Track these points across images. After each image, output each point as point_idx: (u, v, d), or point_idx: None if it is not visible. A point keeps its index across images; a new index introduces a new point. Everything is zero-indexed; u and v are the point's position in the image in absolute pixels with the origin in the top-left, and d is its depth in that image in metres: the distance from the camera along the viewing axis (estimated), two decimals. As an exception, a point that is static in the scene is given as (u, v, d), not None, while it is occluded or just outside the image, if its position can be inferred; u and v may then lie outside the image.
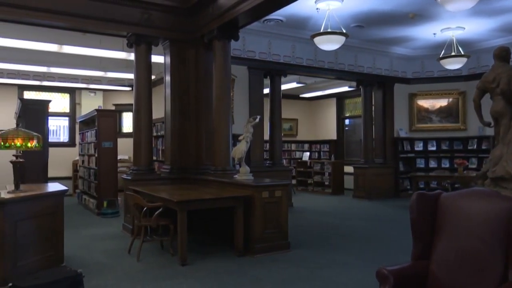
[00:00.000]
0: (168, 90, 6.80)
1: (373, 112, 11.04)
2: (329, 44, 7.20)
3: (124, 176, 6.68)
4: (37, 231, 4.25)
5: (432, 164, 11.26)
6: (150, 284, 4.15)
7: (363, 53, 10.27)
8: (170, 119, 6.78)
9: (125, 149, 10.93)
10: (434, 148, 11.31)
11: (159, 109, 7.16)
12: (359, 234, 6.58)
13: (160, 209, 5.05)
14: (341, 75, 10.46)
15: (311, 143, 14.79)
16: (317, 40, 7.13)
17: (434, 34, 9.05)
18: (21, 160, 4.28)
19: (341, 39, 7.10)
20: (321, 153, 14.39)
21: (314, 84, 13.02)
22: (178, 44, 6.77)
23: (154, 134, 7.99)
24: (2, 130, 4.28)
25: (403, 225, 7.00)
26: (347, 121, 14.29)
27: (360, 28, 8.66)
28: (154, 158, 7.81)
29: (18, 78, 10.78)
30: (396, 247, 5.64)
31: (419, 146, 11.40)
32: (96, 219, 7.99)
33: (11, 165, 4.28)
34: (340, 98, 14.15)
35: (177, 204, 4.74)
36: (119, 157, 9.13)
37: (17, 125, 7.27)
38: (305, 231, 6.73)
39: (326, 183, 12.18)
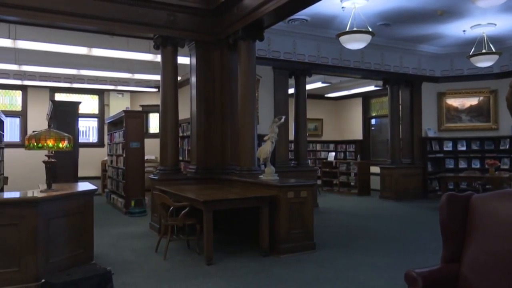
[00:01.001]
0: (194, 91, 6.87)
1: (400, 112, 10.85)
2: (354, 43, 7.12)
3: (151, 176, 6.79)
4: (68, 229, 4.37)
5: (462, 164, 10.97)
6: (177, 282, 4.21)
7: (390, 51, 10.11)
8: (195, 120, 6.85)
9: (152, 150, 11.12)
10: (464, 148, 11.03)
11: (185, 109, 7.24)
12: (386, 235, 6.48)
13: (187, 209, 5.10)
14: (367, 74, 10.33)
15: (336, 143, 14.66)
16: (342, 39, 7.06)
17: (464, 31, 8.81)
18: (53, 160, 4.41)
19: (367, 38, 7.01)
20: (347, 153, 14.24)
21: (340, 84, 12.90)
22: (203, 45, 6.83)
23: (180, 134, 8.09)
24: (35, 131, 4.41)
25: (432, 227, 6.87)
26: (373, 121, 14.09)
27: (387, 26, 8.53)
28: (180, 158, 7.91)
29: (50, 81, 11.12)
30: (424, 249, 5.52)
31: (448, 146, 11.13)
32: (124, 218, 8.15)
33: (43, 165, 4.42)
34: (366, 97, 13.97)
35: (203, 204, 4.78)
36: (146, 157, 9.29)
37: (49, 126, 7.49)
38: (330, 232, 6.68)
39: (352, 183, 12.05)
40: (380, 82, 11.10)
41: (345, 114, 14.94)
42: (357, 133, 14.24)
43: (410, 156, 10.86)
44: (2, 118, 9.40)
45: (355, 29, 6.98)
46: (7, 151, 10.38)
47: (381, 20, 8.19)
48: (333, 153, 13.90)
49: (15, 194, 4.42)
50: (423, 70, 10.79)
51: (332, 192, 12.46)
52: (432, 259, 4.74)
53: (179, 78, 7.05)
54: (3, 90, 11.84)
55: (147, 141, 9.40)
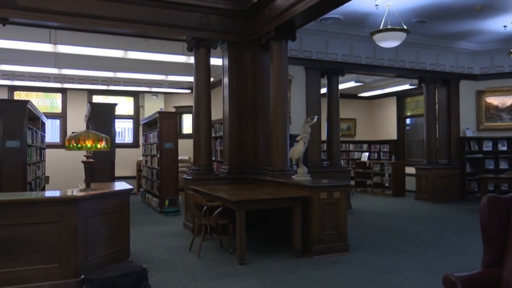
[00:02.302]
0: (226, 92, 6.93)
1: (436, 111, 10.56)
2: (389, 41, 6.97)
3: (185, 176, 6.89)
4: (105, 227, 4.50)
5: (503, 165, 10.56)
6: (210, 281, 4.25)
7: (426, 49, 9.85)
8: (228, 120, 6.90)
9: (185, 150, 11.29)
10: (505, 148, 10.61)
11: (218, 110, 7.31)
12: (422, 238, 6.31)
13: (220, 209, 5.15)
14: (402, 73, 10.10)
15: (370, 143, 14.42)
16: (376, 37, 6.93)
17: (505, 26, 8.48)
18: (91, 160, 4.55)
19: (402, 36, 6.85)
20: (381, 153, 13.98)
21: (373, 83, 12.68)
22: (235, 46, 6.88)
23: (213, 135, 8.17)
24: (74, 132, 4.57)
25: (470, 230, 6.66)
26: (408, 120, 13.78)
27: (422, 23, 8.32)
28: (213, 158, 7.99)
29: (88, 83, 11.50)
30: (463, 253, 5.35)
31: (488, 146, 10.73)
32: (159, 217, 8.31)
33: (82, 164, 4.56)
34: (400, 96, 13.68)
35: (236, 204, 4.81)
36: (179, 158, 9.45)
37: (87, 127, 7.72)
38: (364, 233, 6.58)
39: (386, 184, 11.83)
40: (415, 81, 10.85)
41: (379, 114, 14.68)
42: (392, 133, 13.96)
43: (447, 156, 10.54)
44: (43, 120, 9.80)
45: (389, 27, 6.84)
46: (48, 152, 10.81)
47: (417, 17, 8.00)
48: (367, 154, 13.69)
49: (56, 193, 4.60)
50: (461, 67, 10.45)
51: (366, 193, 12.26)
52: (471, 263, 4.58)
53: (211, 79, 7.13)
54: (44, 93, 12.34)
55: (181, 142, 9.55)
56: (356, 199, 10.47)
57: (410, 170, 11.44)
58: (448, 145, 10.60)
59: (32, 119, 8.20)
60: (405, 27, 6.82)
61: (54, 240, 3.95)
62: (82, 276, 3.80)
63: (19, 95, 11.96)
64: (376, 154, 14.10)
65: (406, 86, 12.02)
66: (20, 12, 5.51)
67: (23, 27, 6.47)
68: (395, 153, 13.13)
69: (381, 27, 6.85)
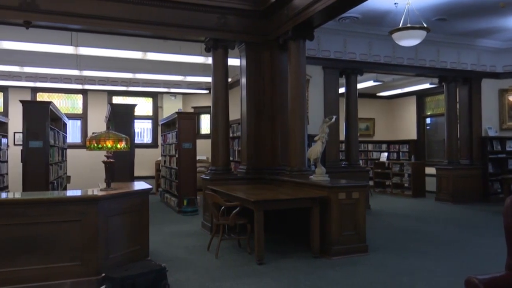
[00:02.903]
0: (244, 92, 6.95)
1: (457, 110, 10.37)
2: (408, 39, 6.88)
3: (203, 176, 6.93)
4: (125, 226, 4.56)
5: (527, 165, 10.31)
6: (228, 281, 4.27)
7: (446, 47, 9.68)
8: (246, 120, 6.91)
9: (203, 150, 11.36)
10: (529, 148, 10.35)
11: (235, 110, 7.34)
12: (443, 239, 6.20)
13: (238, 209, 5.16)
14: (422, 72, 9.95)
15: (389, 143, 14.26)
16: (395, 36, 6.85)
17: (529, 23, 8.27)
18: (111, 160, 4.61)
19: (422, 34, 6.75)
20: (400, 153, 13.81)
21: (392, 82, 12.53)
22: (253, 46, 6.89)
23: (231, 135, 8.20)
24: (94, 133, 4.65)
25: (493, 232, 6.51)
26: (428, 120, 13.57)
27: (443, 21, 8.17)
28: (231, 158, 8.02)
29: (108, 85, 11.68)
30: (485, 255, 5.24)
31: (511, 146, 10.48)
32: (177, 217, 8.38)
33: (103, 164, 4.64)
34: (420, 95, 13.49)
35: (254, 204, 4.82)
36: (197, 158, 9.50)
37: (107, 128, 7.85)
38: (383, 234, 6.50)
39: (406, 185, 11.67)
40: (436, 80, 10.67)
41: (398, 113, 14.50)
42: (411, 133, 13.77)
43: (468, 156, 10.34)
44: (65, 121, 9.99)
45: (409, 25, 6.75)
46: (69, 152, 11.02)
47: (437, 15, 7.87)
48: (386, 154, 13.53)
49: (77, 193, 4.68)
50: (483, 66, 10.23)
51: (385, 193, 12.13)
52: (493, 266, 4.47)
53: (229, 80, 7.15)
54: (66, 94, 12.58)
55: (199, 142, 9.61)
56: (375, 200, 10.36)
57: (430, 170, 11.27)
58: (470, 145, 10.40)
59: (54, 119, 8.37)
60: (425, 25, 6.71)
61: (75, 238, 4.02)
62: (103, 274, 3.86)
63: (41, 97, 12.23)
64: (395, 154, 13.93)
65: (426, 85, 11.84)
66: (43, 16, 5.63)
67: (45, 30, 6.61)
68: (415, 153, 12.95)
69: (400, 26, 6.77)
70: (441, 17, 7.96)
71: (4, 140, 9.71)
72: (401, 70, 9.64)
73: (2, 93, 11.91)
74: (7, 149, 10.03)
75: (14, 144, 11.25)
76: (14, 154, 10.02)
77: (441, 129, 11.99)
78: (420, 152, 13.27)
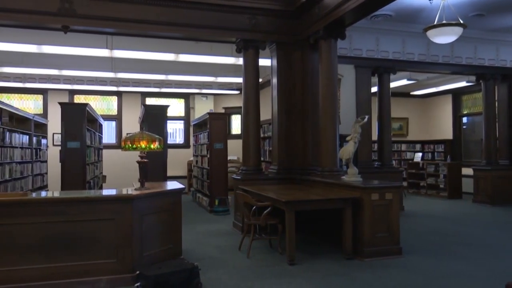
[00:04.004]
0: (275, 92, 6.94)
1: (496, 109, 10.00)
2: (444, 36, 6.68)
3: (234, 176, 6.97)
4: (159, 225, 4.65)
5: None
6: (260, 281, 4.27)
7: (484, 44, 9.33)
8: (277, 121, 6.91)
9: (234, 150, 11.43)
10: None
11: (266, 111, 7.34)
12: (481, 242, 5.99)
13: (269, 209, 5.17)
14: (458, 70, 9.64)
15: (423, 143, 13.91)
16: (430, 33, 6.67)
17: None
18: (145, 160, 4.71)
19: (458, 31, 6.54)
20: (435, 153, 13.46)
21: (427, 81, 12.21)
22: (284, 46, 6.88)
23: (261, 135, 8.21)
24: (129, 133, 4.76)
25: (536, 235, 6.23)
26: (464, 119, 13.16)
27: (480, 16, 7.89)
28: (262, 158, 8.03)
29: (141, 86, 11.95)
30: (527, 259, 5.03)
31: (554, 146, 10.02)
32: (209, 216, 8.47)
33: (137, 164, 4.74)
34: (456, 94, 13.09)
35: (285, 204, 4.81)
36: (229, 158, 9.57)
37: (141, 128, 8.02)
38: (418, 236, 6.35)
39: (441, 186, 11.35)
40: (473, 78, 10.32)
41: (433, 113, 14.13)
42: (447, 132, 13.38)
43: (508, 156, 9.95)
44: (100, 122, 10.29)
45: (444, 22, 6.56)
46: (105, 152, 11.34)
47: (474, 11, 7.60)
48: (420, 154, 13.22)
49: (112, 192, 4.81)
50: (523, 62, 9.82)
51: (419, 194, 11.84)
52: (536, 270, 4.30)
53: (260, 80, 7.17)
54: (101, 96, 12.95)
55: (230, 142, 9.67)
56: (409, 201, 10.14)
57: (467, 171, 10.91)
58: (509, 144, 10.01)
59: (91, 121, 8.63)
60: (461, 21, 6.51)
61: (111, 236, 4.14)
62: (138, 272, 3.95)
63: (78, 99, 12.64)
64: (430, 155, 13.59)
65: (463, 83, 11.49)
66: (80, 20, 5.82)
67: (82, 34, 6.83)
68: (451, 154, 12.58)
69: (435, 22, 6.58)
70: (478, 12, 7.69)
71: (44, 141, 10.10)
72: (436, 68, 9.38)
73: (42, 96, 12.39)
74: (46, 150, 10.44)
75: (53, 145, 11.68)
76: (53, 154, 10.40)
77: (479, 129, 11.62)
78: (456, 152, 12.89)
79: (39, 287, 3.89)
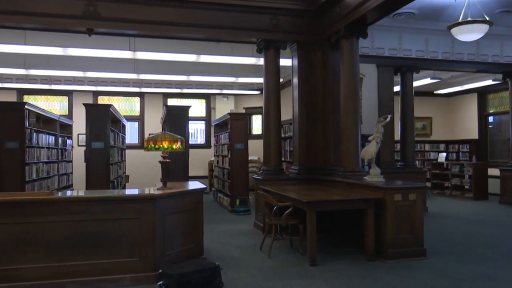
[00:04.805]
0: (296, 92, 6.92)
1: (524, 107, 9.72)
2: (469, 34, 6.52)
3: (255, 176, 6.98)
4: (181, 225, 4.70)
5: None
6: (281, 281, 4.27)
7: (511, 41, 9.09)
8: (298, 121, 6.89)
9: (255, 150, 11.45)
10: None
11: (287, 111, 7.33)
12: (507, 244, 5.83)
13: (290, 209, 5.15)
14: (484, 68, 9.41)
15: (447, 143, 13.64)
16: (454, 31, 6.52)
17: None
18: (167, 160, 4.77)
19: (484, 28, 6.38)
20: (460, 153, 13.17)
21: (451, 79, 11.97)
22: (305, 46, 6.85)
23: (282, 135, 8.20)
24: (151, 134, 4.82)
25: None
26: (491, 118, 12.84)
27: (507, 13, 7.68)
28: (283, 159, 8.02)
29: (163, 87, 12.11)
30: (558, 263, 4.87)
31: None
32: (230, 216, 8.50)
33: (159, 164, 4.80)
34: (482, 93, 12.78)
35: (307, 205, 4.78)
36: (249, 158, 9.59)
37: (163, 129, 8.11)
38: (443, 238, 6.23)
39: (466, 186, 11.10)
40: (499, 76, 10.05)
41: (457, 112, 13.84)
42: (472, 132, 13.08)
43: (537, 157, 9.67)
44: (123, 122, 10.46)
45: (469, 19, 6.41)
46: (128, 152, 11.53)
47: (501, 7, 7.41)
48: (444, 154, 12.96)
49: (135, 191, 4.87)
50: (553, 59, 9.51)
51: (443, 195, 11.61)
52: None
53: (281, 80, 7.16)
54: (124, 97, 13.17)
55: (251, 142, 9.69)
56: (433, 202, 9.95)
57: (493, 171, 10.65)
58: (538, 144, 9.72)
59: (114, 121, 8.79)
60: (487, 18, 6.35)
61: (134, 235, 4.19)
62: (160, 271, 4.00)
63: (102, 100, 12.88)
64: (454, 155, 13.32)
65: (489, 82, 11.21)
66: (104, 23, 5.93)
67: (106, 36, 6.96)
68: (476, 154, 12.30)
69: (460, 20, 6.44)
70: (505, 9, 7.49)
71: (69, 141, 10.33)
72: (461, 66, 9.17)
73: (67, 97, 12.67)
74: (71, 150, 10.68)
75: (78, 145, 11.94)
76: (78, 155, 10.62)
77: (506, 128, 11.32)
78: (481, 152, 12.59)
79: (64, 284, 3.98)
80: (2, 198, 4.09)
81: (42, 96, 12.57)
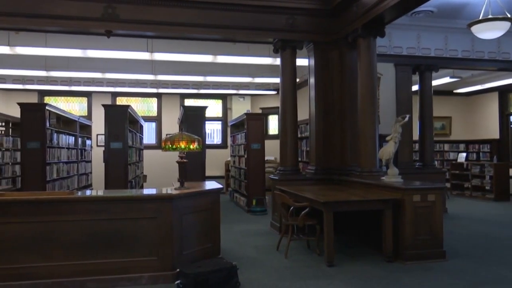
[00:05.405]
0: (313, 92, 6.89)
1: (547, 106, 9.49)
2: (490, 32, 6.39)
3: (271, 176, 6.98)
4: (198, 224, 4.72)
5: None
6: (298, 281, 4.25)
7: (534, 38, 8.88)
8: (314, 121, 6.86)
9: (271, 150, 11.44)
10: None
11: (303, 111, 7.30)
12: (532, 247, 5.71)
13: (307, 209, 5.13)
14: (505, 66, 9.19)
15: (467, 143, 13.39)
16: (475, 28, 6.40)
17: None
18: (185, 160, 4.80)
19: (505, 25, 6.24)
20: (480, 154, 12.92)
21: (471, 78, 11.76)
22: (321, 45, 6.82)
23: (299, 135, 8.17)
24: (168, 134, 4.87)
25: None
26: (512, 118, 12.56)
27: (530, 10, 7.51)
28: (299, 159, 7.99)
29: (180, 88, 12.20)
30: None
31: None
32: (246, 216, 8.52)
33: (176, 164, 4.83)
34: (503, 91, 12.51)
35: (323, 205, 4.76)
36: (266, 158, 9.59)
37: (180, 129, 8.16)
38: (463, 240, 6.12)
39: (487, 187, 10.88)
40: (522, 74, 9.84)
41: (477, 111, 13.57)
42: (493, 132, 12.81)
43: (561, 157, 9.42)
44: (141, 123, 10.57)
45: (490, 16, 6.29)
46: (145, 152, 11.65)
47: (523, 4, 7.24)
48: (464, 154, 12.73)
49: (153, 191, 4.92)
50: None
51: (463, 196, 11.40)
52: None
53: (297, 80, 7.14)
54: (142, 98, 13.32)
55: (267, 142, 9.69)
56: (453, 203, 9.79)
57: (515, 172, 10.43)
58: (562, 144, 9.47)
59: (132, 122, 8.90)
60: (508, 15, 6.22)
61: (152, 234, 4.24)
62: (178, 270, 4.03)
63: (120, 101, 13.05)
64: (474, 155, 13.07)
65: (510, 80, 10.97)
66: (122, 25, 6.01)
67: (124, 38, 7.06)
68: (497, 154, 12.04)
69: (480, 17, 6.32)
70: (527, 5, 7.32)
71: (88, 142, 10.50)
72: (481, 64, 8.99)
73: (86, 98, 12.88)
74: (91, 150, 10.85)
75: (97, 145, 12.12)
76: (97, 155, 10.79)
77: (528, 128, 11.06)
78: (503, 152, 12.31)
79: (84, 282, 4.05)
80: (26, 197, 4.20)
81: (62, 97, 12.81)
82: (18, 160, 8.26)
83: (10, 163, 8.36)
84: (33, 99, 12.10)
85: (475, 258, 5.11)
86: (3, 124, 8.73)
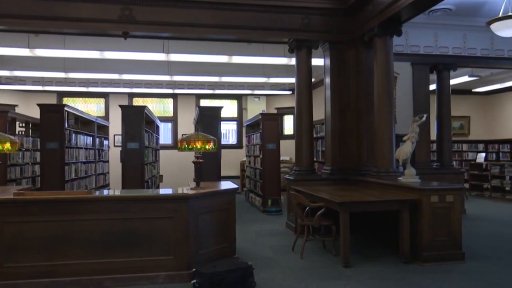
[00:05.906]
0: (328, 92, 6.86)
1: None
2: (510, 29, 6.27)
3: (287, 176, 6.96)
4: (214, 224, 4.74)
5: None
6: (314, 282, 4.24)
7: (556, 36, 8.67)
8: (330, 120, 6.82)
9: (287, 150, 11.43)
10: None
11: (319, 111, 7.27)
12: (554, 249, 5.57)
13: (323, 210, 5.11)
14: (526, 64, 9.02)
15: (487, 143, 13.15)
16: (494, 26, 6.28)
17: None
18: (201, 160, 4.83)
19: (526, 23, 6.12)
20: (500, 154, 12.67)
21: (491, 77, 11.54)
22: (337, 45, 6.78)
23: (314, 135, 8.14)
24: (184, 134, 4.89)
25: None
26: (533, 117, 12.29)
27: (552, 7, 7.34)
28: (315, 159, 7.96)
29: (196, 88, 12.27)
30: None
31: None
32: (262, 216, 8.52)
33: (191, 164, 4.86)
34: (524, 90, 12.26)
35: (339, 205, 4.73)
36: (281, 158, 9.57)
37: (196, 129, 8.21)
38: (482, 241, 6.01)
39: (507, 188, 10.66)
40: (543, 72, 9.62)
41: (497, 110, 13.33)
42: (513, 132, 12.58)
43: None
44: (157, 123, 10.66)
45: (510, 14, 6.16)
46: (161, 152, 11.74)
47: (544, 1, 7.08)
48: (483, 154, 12.50)
49: (169, 191, 4.95)
50: None
51: (482, 197, 11.20)
52: None
53: (312, 80, 7.11)
54: (158, 99, 13.44)
55: (282, 143, 9.67)
56: (471, 204, 9.62)
57: (536, 172, 10.19)
58: None
59: (148, 122, 8.98)
60: (530, 12, 6.08)
61: (168, 234, 4.28)
62: (194, 269, 4.06)
63: (137, 101, 13.19)
64: (494, 155, 12.83)
65: (531, 79, 10.75)
66: (139, 26, 6.08)
67: (141, 39, 7.13)
68: (518, 154, 11.80)
69: (500, 15, 6.20)
70: (549, 2, 7.16)
71: (105, 142, 10.64)
72: (501, 63, 8.82)
73: (104, 99, 13.06)
74: (108, 150, 10.99)
75: (114, 146, 12.28)
76: (114, 155, 10.94)
77: (550, 127, 10.81)
78: (524, 152, 12.07)
79: (101, 281, 4.10)
80: (45, 196, 4.27)
81: (80, 98, 13.01)
82: (38, 160, 8.42)
83: (30, 163, 8.53)
84: (52, 100, 12.32)
85: (495, 260, 5.02)
86: (23, 124, 8.91)
